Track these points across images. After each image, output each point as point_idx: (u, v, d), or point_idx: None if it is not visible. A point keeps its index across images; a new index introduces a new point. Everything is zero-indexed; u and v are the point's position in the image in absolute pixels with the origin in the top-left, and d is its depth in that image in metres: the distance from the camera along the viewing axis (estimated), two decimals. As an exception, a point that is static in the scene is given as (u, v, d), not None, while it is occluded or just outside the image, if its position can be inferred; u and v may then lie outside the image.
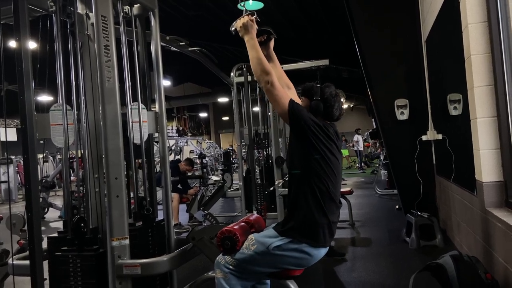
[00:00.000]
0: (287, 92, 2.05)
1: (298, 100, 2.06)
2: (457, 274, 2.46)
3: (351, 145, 15.06)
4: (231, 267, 1.92)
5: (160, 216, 2.35)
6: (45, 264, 2.02)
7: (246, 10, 2.12)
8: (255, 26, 2.01)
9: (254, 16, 2.02)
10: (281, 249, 1.85)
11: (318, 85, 2.07)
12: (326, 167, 1.89)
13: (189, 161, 6.77)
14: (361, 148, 14.49)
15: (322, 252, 1.93)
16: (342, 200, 5.47)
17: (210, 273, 2.19)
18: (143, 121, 2.23)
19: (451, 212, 4.14)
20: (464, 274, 2.46)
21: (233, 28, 2.04)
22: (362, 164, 14.56)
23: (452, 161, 3.76)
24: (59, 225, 2.55)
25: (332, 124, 2.05)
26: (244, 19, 1.99)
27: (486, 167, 2.85)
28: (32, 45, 2.02)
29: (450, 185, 4.04)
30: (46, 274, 1.98)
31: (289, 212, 1.95)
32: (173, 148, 12.95)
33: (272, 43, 2.17)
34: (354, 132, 14.75)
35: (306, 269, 2.01)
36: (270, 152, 5.57)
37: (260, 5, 7.29)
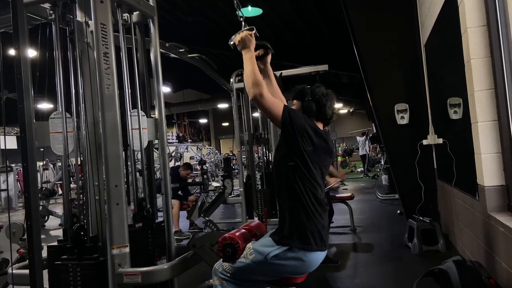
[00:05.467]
0: (279, 105, 1.95)
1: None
2: (460, 279, 2.44)
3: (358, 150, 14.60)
4: (228, 274, 1.91)
5: (160, 220, 2.33)
6: (45, 273, 2.00)
7: (245, 24, 2.12)
8: (253, 41, 2.00)
9: (254, 31, 2.01)
10: (279, 258, 1.83)
11: (308, 86, 2.07)
12: (312, 172, 1.88)
13: (187, 165, 6.75)
14: (367, 152, 13.88)
15: (321, 256, 1.91)
16: (343, 206, 5.55)
17: (211, 280, 2.17)
18: (143, 128, 2.22)
19: (453, 216, 4.12)
20: (467, 279, 2.44)
21: (231, 42, 2.04)
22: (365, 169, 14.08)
23: (453, 165, 3.75)
24: (59, 233, 2.54)
25: (325, 131, 2.04)
26: (243, 33, 1.98)
27: (488, 171, 2.83)
28: (31, 53, 2.02)
29: (451, 189, 4.03)
30: (46, 283, 1.97)
31: (282, 219, 1.93)
32: (173, 154, 12.94)
33: (269, 58, 2.16)
34: (361, 135, 14.27)
35: (307, 275, 1.99)
36: (270, 157, 5.56)
37: (259, 11, 7.33)
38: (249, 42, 1.98)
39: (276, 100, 1.96)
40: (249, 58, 1.95)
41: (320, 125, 2.04)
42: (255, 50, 2.03)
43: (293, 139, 1.86)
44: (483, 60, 2.83)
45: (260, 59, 2.11)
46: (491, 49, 2.79)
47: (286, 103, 2.18)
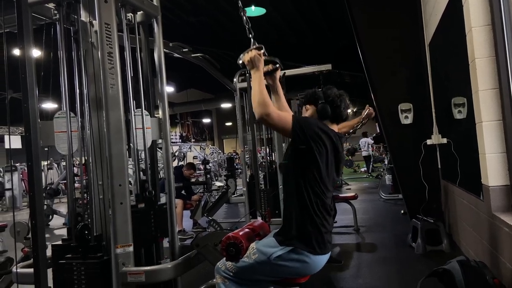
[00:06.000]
0: (288, 119, 1.89)
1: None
2: (465, 279, 2.43)
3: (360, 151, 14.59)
4: (231, 273, 1.91)
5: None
6: (49, 272, 2.01)
7: (254, 41, 2.11)
8: (262, 60, 1.98)
9: (262, 51, 1.99)
10: (282, 259, 1.83)
11: (319, 89, 2.06)
12: (323, 179, 1.87)
13: (190, 165, 6.77)
14: (371, 152, 13.80)
15: (324, 259, 1.91)
16: (347, 205, 5.54)
17: (214, 280, 2.18)
18: (146, 128, 2.23)
19: (457, 216, 4.11)
20: (471, 279, 2.44)
21: (240, 61, 2.03)
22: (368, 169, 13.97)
23: (458, 165, 3.74)
24: (63, 232, 2.55)
25: (340, 134, 2.03)
26: (252, 53, 1.96)
27: (492, 171, 2.82)
28: (36, 53, 2.03)
29: (455, 189, 4.01)
30: (50, 282, 1.97)
31: (287, 220, 1.92)
32: (176, 154, 12.96)
33: (278, 74, 2.15)
34: (362, 136, 14.27)
35: (311, 275, 1.99)
36: (273, 157, 5.56)
37: (263, 11, 7.33)
38: (258, 62, 1.95)
39: (283, 113, 1.93)
40: (257, 78, 1.93)
41: (334, 127, 2.02)
42: (264, 65, 2.02)
43: (307, 146, 1.83)
44: (488, 59, 2.82)
45: (269, 74, 2.10)
46: (496, 48, 2.77)
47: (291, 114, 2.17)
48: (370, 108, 3.18)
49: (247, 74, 5.15)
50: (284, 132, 1.89)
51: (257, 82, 1.91)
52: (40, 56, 2.32)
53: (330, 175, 1.91)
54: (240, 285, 1.92)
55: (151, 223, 2.18)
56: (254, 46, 2.01)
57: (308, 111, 2.06)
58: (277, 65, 2.11)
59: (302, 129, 1.82)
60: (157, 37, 2.35)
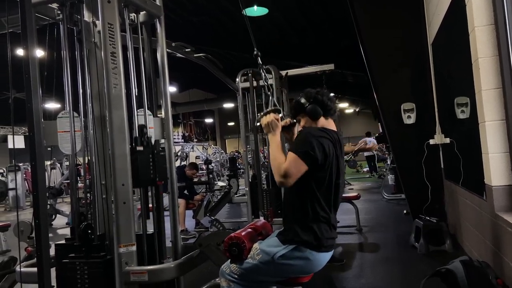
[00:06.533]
0: (295, 161, 1.84)
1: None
2: (467, 279, 2.43)
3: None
4: (235, 276, 1.91)
5: (167, 221, 2.34)
6: (53, 271, 2.02)
7: (272, 102, 2.12)
8: (280, 125, 2.01)
9: (280, 115, 2.02)
10: (285, 258, 1.84)
11: (298, 98, 2.08)
12: (325, 182, 1.88)
13: (193, 165, 6.79)
14: (374, 152, 13.66)
15: (327, 256, 1.92)
16: (349, 205, 5.53)
17: (217, 279, 2.18)
18: (149, 128, 2.24)
19: (460, 216, 4.10)
20: (474, 279, 2.43)
21: (258, 124, 2.05)
22: (372, 170, 13.82)
23: (460, 165, 3.73)
24: (67, 232, 2.57)
25: (338, 133, 2.04)
26: (270, 117, 1.99)
27: (495, 171, 2.81)
28: (39, 53, 2.04)
29: (458, 189, 4.00)
30: (53, 281, 1.98)
31: (288, 220, 1.93)
32: (179, 154, 12.97)
33: (295, 130, 2.17)
34: (365, 136, 14.15)
35: (314, 275, 1.99)
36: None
37: (265, 11, 7.33)
38: (275, 126, 1.99)
39: (291, 160, 1.83)
40: (274, 142, 1.95)
41: (330, 123, 2.04)
42: (281, 119, 2.05)
43: (319, 160, 1.84)
44: (491, 59, 2.81)
45: (287, 129, 2.13)
46: (499, 48, 2.76)
47: None
48: (365, 141, 3.18)
49: (249, 74, 5.16)
50: (305, 170, 1.84)
51: (274, 147, 1.93)
52: (43, 56, 2.33)
53: (332, 177, 1.91)
54: (245, 287, 1.92)
55: (149, 165, 2.11)
56: (272, 109, 2.04)
57: (301, 121, 2.09)
58: (295, 121, 2.14)
59: (306, 150, 1.82)
60: (159, 37, 2.36)
